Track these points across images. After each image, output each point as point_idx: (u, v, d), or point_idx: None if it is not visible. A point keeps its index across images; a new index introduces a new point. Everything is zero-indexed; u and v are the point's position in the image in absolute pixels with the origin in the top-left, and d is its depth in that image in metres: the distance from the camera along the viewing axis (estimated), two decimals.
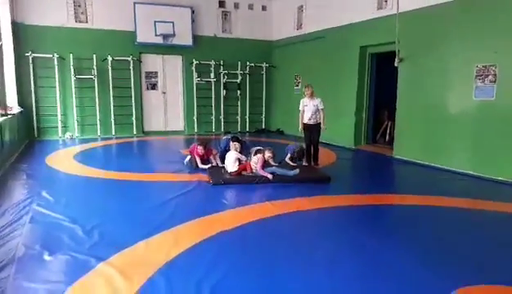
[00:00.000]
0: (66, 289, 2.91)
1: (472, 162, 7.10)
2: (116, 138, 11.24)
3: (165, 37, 11.66)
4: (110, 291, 2.92)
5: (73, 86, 10.91)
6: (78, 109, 11.09)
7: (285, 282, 3.12)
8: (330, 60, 10.57)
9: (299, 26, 12.04)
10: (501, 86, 6.58)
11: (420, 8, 7.87)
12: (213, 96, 12.68)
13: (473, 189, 6.36)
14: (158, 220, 4.41)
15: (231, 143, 6.89)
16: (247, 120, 13.36)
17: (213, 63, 12.49)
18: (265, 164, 6.43)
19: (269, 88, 13.56)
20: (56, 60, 10.58)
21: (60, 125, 10.90)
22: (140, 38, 11.48)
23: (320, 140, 7.77)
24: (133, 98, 11.68)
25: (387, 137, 10.33)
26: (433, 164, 7.73)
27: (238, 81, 12.92)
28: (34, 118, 10.66)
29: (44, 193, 5.36)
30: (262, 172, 6.24)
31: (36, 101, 10.66)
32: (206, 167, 6.88)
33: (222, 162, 6.82)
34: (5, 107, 8.39)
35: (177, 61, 12.46)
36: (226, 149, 7.00)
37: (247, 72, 13.06)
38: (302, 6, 11.87)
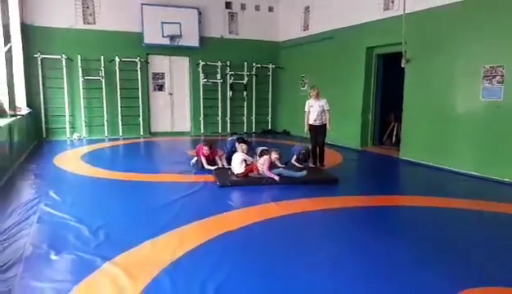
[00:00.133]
0: (72, 288, 2.95)
1: (479, 163, 7.04)
2: (123, 139, 11.32)
3: (172, 38, 11.73)
4: (115, 290, 2.95)
5: (81, 87, 11.02)
6: (86, 109, 11.20)
7: (289, 283, 3.12)
8: (337, 61, 10.55)
9: (306, 27, 12.04)
10: (509, 86, 6.52)
11: (427, 9, 7.83)
12: (220, 97, 12.72)
13: (479, 191, 6.31)
14: (163, 220, 4.44)
15: (238, 144, 6.88)
16: (253, 121, 13.38)
17: (219, 64, 12.53)
18: (271, 165, 6.42)
19: (275, 89, 13.57)
20: (64, 61, 10.70)
21: (68, 126, 11.01)
22: (147, 40, 11.56)
23: (326, 142, 7.77)
24: (140, 99, 11.76)
25: (393, 138, 10.27)
26: (439, 165, 7.68)
27: (244, 82, 12.95)
28: (43, 118, 10.79)
29: (52, 193, 5.43)
30: (268, 174, 6.23)
31: (44, 102, 10.78)
32: (212, 168, 6.88)
33: (229, 163, 6.83)
34: (14, 108, 8.49)
35: (183, 62, 12.53)
36: (233, 151, 7.00)
37: (253, 73, 13.09)
38: (308, 7, 11.87)
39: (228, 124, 13.00)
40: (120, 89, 11.42)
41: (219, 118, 12.83)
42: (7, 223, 4.29)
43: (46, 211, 4.71)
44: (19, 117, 8.33)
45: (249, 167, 6.38)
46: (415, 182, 7.20)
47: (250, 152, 6.86)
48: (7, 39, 8.37)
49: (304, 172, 6.50)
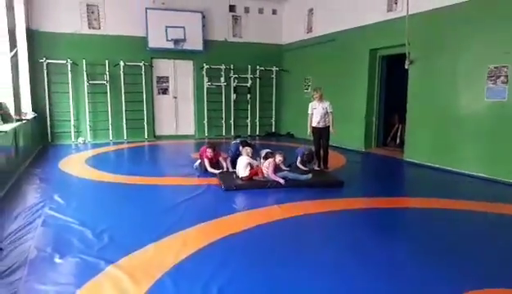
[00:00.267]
0: (76, 291, 2.96)
1: (483, 164, 7.00)
2: (128, 142, 11.37)
3: (176, 42, 11.78)
4: (118, 293, 2.96)
5: (85, 91, 11.10)
6: (91, 114, 11.27)
7: (292, 285, 3.12)
8: (340, 63, 10.54)
9: (309, 29, 12.05)
10: None
11: (430, 10, 7.81)
12: (224, 100, 12.75)
13: (483, 192, 6.28)
14: (167, 223, 4.45)
15: (244, 148, 6.84)
16: (257, 124, 13.39)
17: (223, 67, 12.57)
18: (276, 168, 6.40)
19: (279, 92, 13.58)
20: (69, 65, 10.79)
21: (73, 130, 11.09)
22: (151, 44, 11.63)
23: (330, 144, 7.75)
24: (145, 103, 11.82)
25: (397, 140, 10.24)
26: (444, 167, 7.64)
27: (248, 85, 12.97)
28: (48, 123, 10.87)
29: (56, 197, 5.46)
30: (273, 177, 6.20)
31: (50, 107, 10.87)
32: (216, 171, 6.85)
33: (234, 166, 6.81)
34: (19, 112, 8.57)
35: (188, 66, 12.57)
36: (237, 154, 7.00)
37: (257, 76, 13.11)
38: (312, 10, 11.89)
39: (232, 127, 13.02)
40: (125, 93, 11.48)
41: (223, 121, 12.85)
42: (13, 227, 4.33)
43: (50, 215, 4.74)
44: (24, 121, 8.40)
45: (254, 171, 6.35)
46: (419, 184, 7.16)
47: (254, 155, 6.86)
48: (13, 44, 8.46)
49: (310, 175, 6.49)
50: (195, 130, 12.88)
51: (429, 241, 4.17)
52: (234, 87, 12.81)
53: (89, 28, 11.15)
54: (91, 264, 3.42)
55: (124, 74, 11.41)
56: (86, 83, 11.04)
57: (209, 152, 7.05)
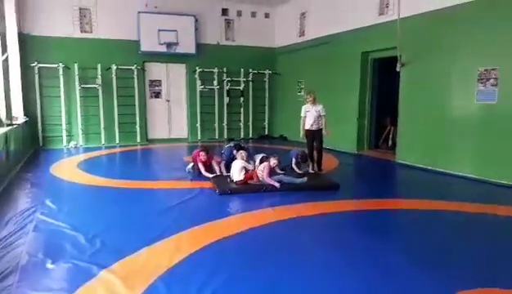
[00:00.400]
0: None
1: (475, 165, 7.08)
2: (120, 146, 11.32)
3: (169, 45, 11.77)
4: None
5: (77, 95, 11.03)
6: (83, 118, 11.20)
7: (284, 286, 3.14)
8: (333, 66, 10.61)
9: (302, 33, 12.12)
10: (503, 89, 6.57)
11: (421, 13, 7.90)
12: (217, 104, 12.76)
13: (475, 193, 6.35)
14: (160, 227, 4.43)
15: (239, 151, 6.83)
16: (250, 126, 13.41)
17: (216, 70, 12.57)
18: (271, 172, 6.37)
19: (272, 95, 13.62)
20: (61, 69, 10.72)
21: (64, 134, 11.00)
22: (144, 47, 11.60)
23: (323, 146, 7.77)
24: (137, 106, 11.78)
25: (389, 142, 10.30)
26: (435, 168, 7.71)
27: (241, 88, 12.99)
28: (39, 127, 10.78)
29: (48, 202, 5.42)
30: (268, 180, 6.15)
31: (41, 111, 10.79)
32: (210, 175, 6.82)
33: (228, 170, 6.79)
34: (10, 117, 8.49)
35: (180, 69, 12.57)
36: (232, 158, 6.98)
37: (250, 79, 13.14)
38: (304, 13, 11.96)
39: (225, 130, 13.02)
40: (117, 96, 11.43)
41: (216, 124, 12.85)
42: (3, 232, 4.28)
43: (42, 220, 4.70)
44: (15, 126, 8.32)
45: (249, 175, 6.32)
46: (411, 185, 7.21)
47: (248, 158, 6.85)
48: (4, 49, 8.39)
49: (305, 178, 6.49)
50: (188, 133, 12.85)
51: (421, 242, 4.21)
52: (227, 91, 12.83)
53: (81, 31, 11.10)
54: (83, 269, 3.40)
55: (116, 78, 11.36)
56: (78, 87, 10.96)
57: (203, 155, 7.03)
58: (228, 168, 6.82)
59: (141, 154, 10.59)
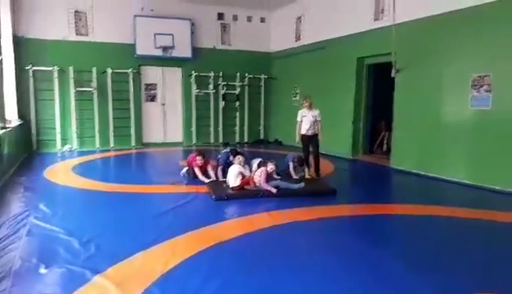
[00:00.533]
0: None
1: (469, 171, 7.12)
2: (115, 150, 11.26)
3: (165, 49, 11.77)
4: None
5: (72, 98, 10.97)
6: (78, 121, 11.14)
7: (279, 291, 3.14)
8: (328, 71, 10.64)
9: (298, 37, 12.16)
10: (497, 95, 6.63)
11: (416, 19, 7.95)
12: (212, 108, 12.75)
13: (469, 199, 6.38)
14: (154, 231, 4.41)
15: (236, 157, 6.79)
16: (245, 131, 13.40)
17: (212, 74, 12.57)
18: (268, 177, 6.31)
19: (267, 99, 13.63)
20: (56, 72, 10.66)
21: (59, 138, 10.93)
22: (139, 51, 11.58)
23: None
24: (132, 110, 11.74)
25: (384, 147, 10.36)
26: (430, 174, 7.74)
27: (237, 92, 12.99)
28: (34, 130, 10.71)
29: (41, 206, 5.37)
30: (266, 186, 6.09)
31: (36, 114, 10.71)
32: (207, 180, 6.78)
33: (224, 175, 6.73)
34: (4, 120, 8.43)
35: (176, 73, 12.55)
36: (228, 163, 6.95)
37: (246, 83, 13.15)
38: (300, 18, 12.01)
39: (220, 134, 13.01)
40: (112, 100, 11.39)
41: (211, 129, 12.84)
42: None
43: (35, 224, 4.65)
44: (9, 129, 8.26)
45: (245, 180, 6.25)
46: (405, 191, 7.25)
47: (245, 163, 6.83)
48: None
49: (302, 184, 6.45)
50: (183, 137, 12.82)
51: (417, 247, 4.22)
52: (222, 95, 12.82)
53: (77, 34, 11.07)
54: (77, 274, 3.37)
55: (112, 81, 11.33)
56: (73, 90, 10.90)
57: (199, 159, 6.99)
58: (224, 173, 6.79)
59: (135, 158, 10.55)
